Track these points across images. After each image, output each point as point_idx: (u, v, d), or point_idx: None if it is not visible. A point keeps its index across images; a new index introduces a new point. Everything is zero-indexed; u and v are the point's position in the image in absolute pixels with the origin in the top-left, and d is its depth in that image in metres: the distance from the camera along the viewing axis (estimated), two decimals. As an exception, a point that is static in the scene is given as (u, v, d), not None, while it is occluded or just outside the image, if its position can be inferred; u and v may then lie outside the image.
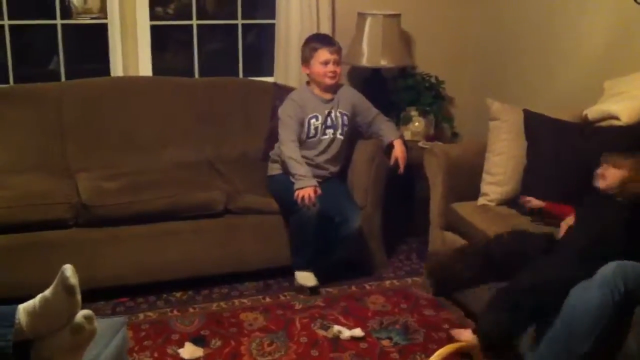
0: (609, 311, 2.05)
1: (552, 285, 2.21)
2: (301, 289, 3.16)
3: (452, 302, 3.08)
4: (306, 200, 2.98)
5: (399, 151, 3.28)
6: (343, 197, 3.20)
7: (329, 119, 3.26)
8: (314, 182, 3.05)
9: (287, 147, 3.13)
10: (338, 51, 3.27)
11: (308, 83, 3.34)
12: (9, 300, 1.87)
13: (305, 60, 3.29)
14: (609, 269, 2.10)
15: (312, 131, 3.24)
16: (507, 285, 2.34)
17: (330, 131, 3.27)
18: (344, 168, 3.38)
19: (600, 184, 2.53)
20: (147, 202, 3.04)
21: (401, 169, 3.28)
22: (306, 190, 3.00)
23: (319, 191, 3.03)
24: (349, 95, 3.36)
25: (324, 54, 3.22)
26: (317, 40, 3.30)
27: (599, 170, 2.55)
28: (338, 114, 3.28)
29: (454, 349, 2.43)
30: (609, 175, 2.51)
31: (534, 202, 2.77)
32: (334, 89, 3.31)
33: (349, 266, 3.36)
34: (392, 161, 3.29)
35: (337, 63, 3.24)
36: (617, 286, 2.05)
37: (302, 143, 3.22)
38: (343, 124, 3.29)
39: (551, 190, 2.79)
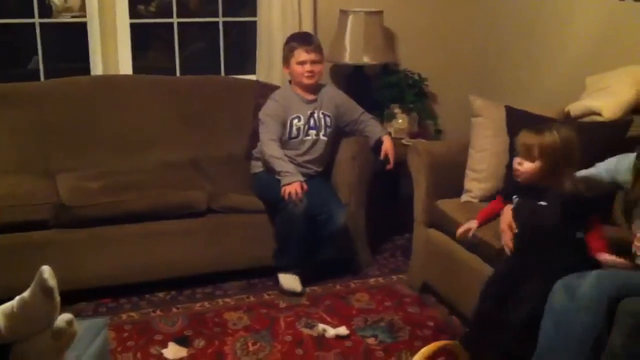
0: (598, 329, 2.02)
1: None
2: (285, 293, 3.13)
3: (437, 299, 3.09)
4: (293, 196, 2.97)
5: (388, 146, 3.29)
6: (327, 194, 3.19)
7: (311, 120, 3.24)
8: (300, 177, 3.04)
9: (268, 146, 3.12)
10: (316, 50, 3.23)
11: (290, 82, 3.32)
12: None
13: (285, 60, 3.28)
14: (587, 288, 2.05)
15: (295, 132, 3.22)
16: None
17: (313, 132, 3.25)
18: (328, 166, 3.36)
19: (519, 177, 2.45)
20: (128, 202, 3.01)
21: (391, 163, 3.28)
22: (293, 185, 2.99)
23: (305, 186, 3.01)
24: (332, 95, 3.35)
25: (300, 54, 3.20)
26: (295, 40, 3.28)
27: (515, 162, 2.45)
28: (321, 115, 3.26)
29: (439, 347, 2.42)
30: (525, 169, 2.42)
31: (471, 226, 2.68)
32: (315, 89, 3.29)
33: (333, 264, 3.35)
34: (382, 155, 3.28)
35: (315, 62, 3.21)
36: (601, 303, 2.02)
37: (285, 143, 3.20)
38: (326, 125, 3.27)
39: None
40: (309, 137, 3.24)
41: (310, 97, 3.27)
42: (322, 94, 3.30)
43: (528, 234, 2.40)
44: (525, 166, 2.41)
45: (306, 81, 3.21)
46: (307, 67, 3.19)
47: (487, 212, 2.69)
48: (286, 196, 2.98)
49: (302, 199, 2.98)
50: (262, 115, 3.20)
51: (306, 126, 3.23)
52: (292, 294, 3.12)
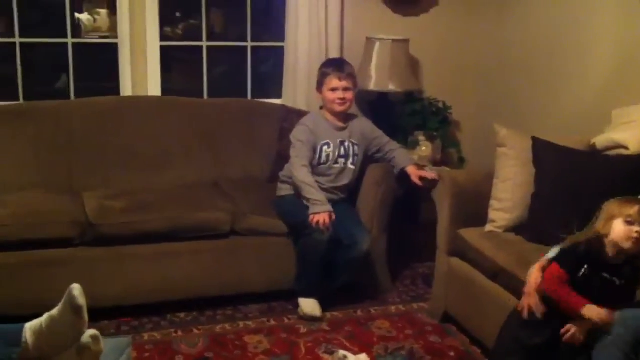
0: None
1: None
2: (305, 317, 3.12)
3: (458, 328, 3.06)
4: (321, 225, 2.97)
5: (419, 172, 3.24)
6: (352, 220, 3.19)
7: (342, 148, 3.25)
8: (329, 207, 3.04)
9: (300, 172, 3.12)
10: (349, 77, 3.24)
11: (322, 108, 3.34)
12: (14, 318, 1.86)
13: (319, 85, 3.30)
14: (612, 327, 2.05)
15: (324, 158, 3.23)
16: None
17: (342, 160, 3.26)
18: (353, 191, 3.37)
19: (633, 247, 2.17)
20: (152, 221, 3.04)
21: (433, 175, 3.18)
22: (322, 215, 2.99)
23: (334, 217, 3.02)
24: (362, 125, 3.36)
25: (332, 81, 3.21)
26: (328, 66, 3.31)
27: (632, 231, 2.16)
28: (350, 144, 3.28)
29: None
30: None
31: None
32: (345, 117, 3.30)
33: (354, 290, 3.34)
34: (419, 182, 3.21)
35: (347, 89, 3.23)
36: (626, 341, 2.01)
37: (313, 168, 3.21)
38: (354, 154, 3.28)
39: (558, 217, 2.78)
40: (337, 165, 3.25)
41: (340, 124, 3.28)
42: (353, 124, 3.32)
43: None
44: None
45: (338, 108, 3.23)
46: (339, 94, 3.21)
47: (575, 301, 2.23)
48: (314, 224, 2.98)
49: (329, 228, 2.99)
50: (294, 139, 3.22)
51: (336, 154, 3.24)
52: (312, 318, 3.11)
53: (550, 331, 2.22)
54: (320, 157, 3.23)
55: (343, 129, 3.28)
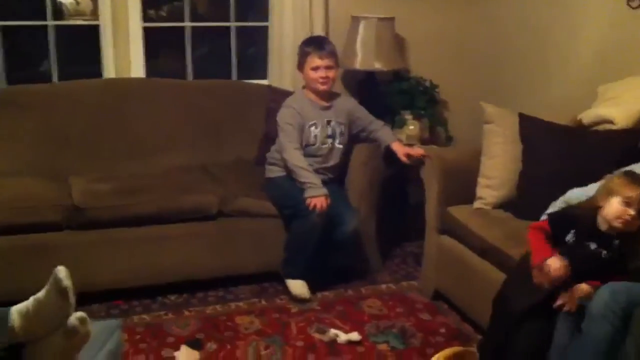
0: (612, 338, 2.01)
1: None
2: (294, 299, 3.12)
3: (448, 306, 3.08)
4: (318, 209, 2.96)
5: (405, 149, 3.24)
6: (340, 199, 3.18)
7: (328, 128, 3.23)
8: (325, 190, 3.02)
9: (292, 155, 3.09)
10: (330, 55, 3.19)
11: (304, 87, 3.31)
12: (2, 303, 1.84)
13: (300, 65, 3.26)
14: (600, 299, 2.04)
15: (312, 139, 3.21)
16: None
17: (329, 140, 3.24)
18: (341, 171, 3.36)
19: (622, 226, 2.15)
20: (140, 204, 3.02)
21: (422, 152, 3.16)
22: (319, 199, 2.98)
23: (329, 200, 3.00)
24: (345, 103, 3.34)
25: (314, 60, 3.17)
26: (309, 44, 3.25)
27: (624, 212, 2.13)
28: (337, 123, 3.26)
29: (451, 354, 2.42)
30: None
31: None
32: (329, 96, 3.28)
33: (344, 270, 3.34)
34: (404, 159, 3.19)
35: (329, 68, 3.19)
36: (615, 313, 2.00)
37: (302, 150, 3.18)
38: (341, 133, 3.26)
39: (546, 193, 2.79)
40: (325, 145, 3.23)
41: (324, 103, 3.26)
42: (337, 103, 3.29)
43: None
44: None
45: (320, 87, 3.20)
46: (321, 72, 3.17)
47: (540, 248, 2.27)
48: (311, 207, 2.97)
49: (324, 211, 2.98)
50: (281, 122, 3.18)
51: (323, 134, 3.22)
52: (301, 300, 3.11)
53: (544, 294, 2.20)
54: (308, 138, 3.20)
55: (328, 108, 3.26)
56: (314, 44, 3.25)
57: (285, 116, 3.18)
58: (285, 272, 3.17)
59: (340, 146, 3.27)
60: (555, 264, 2.18)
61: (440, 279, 3.11)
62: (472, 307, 2.85)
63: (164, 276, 3.10)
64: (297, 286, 3.13)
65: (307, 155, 3.19)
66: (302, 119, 3.18)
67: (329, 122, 3.23)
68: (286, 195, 3.11)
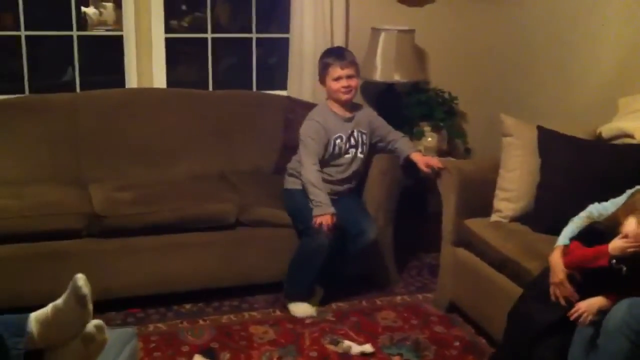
0: (628, 354, 2.00)
1: None
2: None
3: (463, 319, 3.06)
4: (324, 228, 2.97)
5: (425, 158, 3.24)
6: (359, 209, 3.19)
7: (352, 139, 3.23)
8: (332, 209, 3.02)
9: (308, 171, 3.09)
10: (351, 65, 3.19)
11: (327, 99, 3.31)
12: (21, 309, 1.87)
13: (321, 77, 3.25)
14: (618, 315, 2.02)
15: (337, 150, 3.20)
16: None
17: (352, 150, 3.23)
18: (360, 182, 3.36)
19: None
20: (159, 213, 3.05)
21: (440, 164, 3.15)
22: (325, 217, 2.98)
23: (335, 219, 3.00)
24: (367, 114, 3.34)
25: (335, 71, 3.16)
26: (329, 55, 3.25)
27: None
28: (359, 133, 3.25)
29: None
30: None
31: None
32: (352, 106, 3.28)
33: (360, 281, 3.34)
34: (425, 169, 3.18)
35: (351, 77, 3.17)
36: (632, 329, 1.99)
37: (325, 161, 3.18)
38: (363, 143, 3.26)
39: (564, 207, 2.77)
40: (348, 155, 3.22)
41: (348, 114, 3.24)
42: (359, 114, 3.28)
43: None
44: None
45: (343, 97, 3.18)
46: (343, 82, 3.16)
47: (594, 250, 2.22)
48: (317, 225, 2.98)
49: (331, 230, 2.98)
50: (304, 135, 3.16)
51: (347, 145, 3.22)
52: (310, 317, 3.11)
53: (564, 311, 2.19)
54: (333, 150, 3.19)
55: (350, 119, 3.26)
56: (334, 54, 3.25)
57: (308, 130, 3.16)
58: (287, 293, 3.16)
59: (362, 156, 3.26)
60: (632, 224, 2.11)
61: (455, 291, 3.10)
62: (487, 320, 2.84)
63: (180, 285, 3.13)
64: (301, 309, 3.12)
65: (330, 165, 3.19)
66: (327, 132, 3.16)
67: (352, 133, 3.23)
68: (300, 210, 3.11)
